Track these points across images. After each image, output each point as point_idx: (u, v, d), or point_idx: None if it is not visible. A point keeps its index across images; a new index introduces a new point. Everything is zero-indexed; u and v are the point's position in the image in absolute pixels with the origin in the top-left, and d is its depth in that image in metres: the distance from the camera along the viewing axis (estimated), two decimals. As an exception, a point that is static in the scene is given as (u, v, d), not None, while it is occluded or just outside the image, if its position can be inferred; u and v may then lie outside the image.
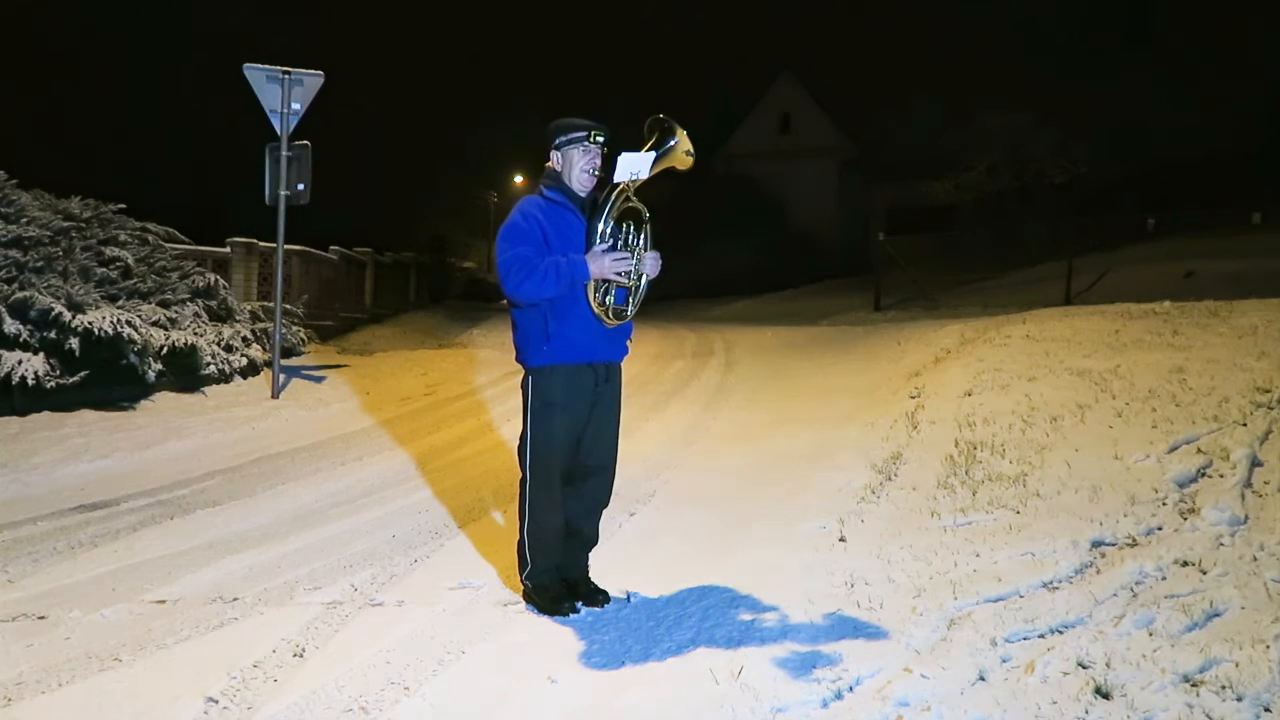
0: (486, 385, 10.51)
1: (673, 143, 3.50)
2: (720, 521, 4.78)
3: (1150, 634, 2.98)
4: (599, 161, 3.51)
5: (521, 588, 3.65)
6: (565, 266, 3.37)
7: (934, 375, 8.27)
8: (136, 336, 8.02)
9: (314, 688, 2.92)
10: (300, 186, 9.01)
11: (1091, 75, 22.82)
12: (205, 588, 3.88)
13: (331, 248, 16.65)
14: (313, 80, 8.93)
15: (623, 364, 3.69)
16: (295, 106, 8.87)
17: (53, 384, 7.39)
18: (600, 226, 3.44)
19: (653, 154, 3.45)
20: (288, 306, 11.18)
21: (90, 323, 7.66)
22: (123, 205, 9.64)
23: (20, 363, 7.22)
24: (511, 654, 3.19)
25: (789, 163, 34.85)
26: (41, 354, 7.42)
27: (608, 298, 3.48)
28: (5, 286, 7.63)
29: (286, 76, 8.80)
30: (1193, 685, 2.64)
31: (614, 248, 3.45)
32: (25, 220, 8.17)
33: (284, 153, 8.87)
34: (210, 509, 5.20)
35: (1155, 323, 9.10)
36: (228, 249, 12.70)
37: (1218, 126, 22.01)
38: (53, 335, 7.55)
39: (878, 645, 3.10)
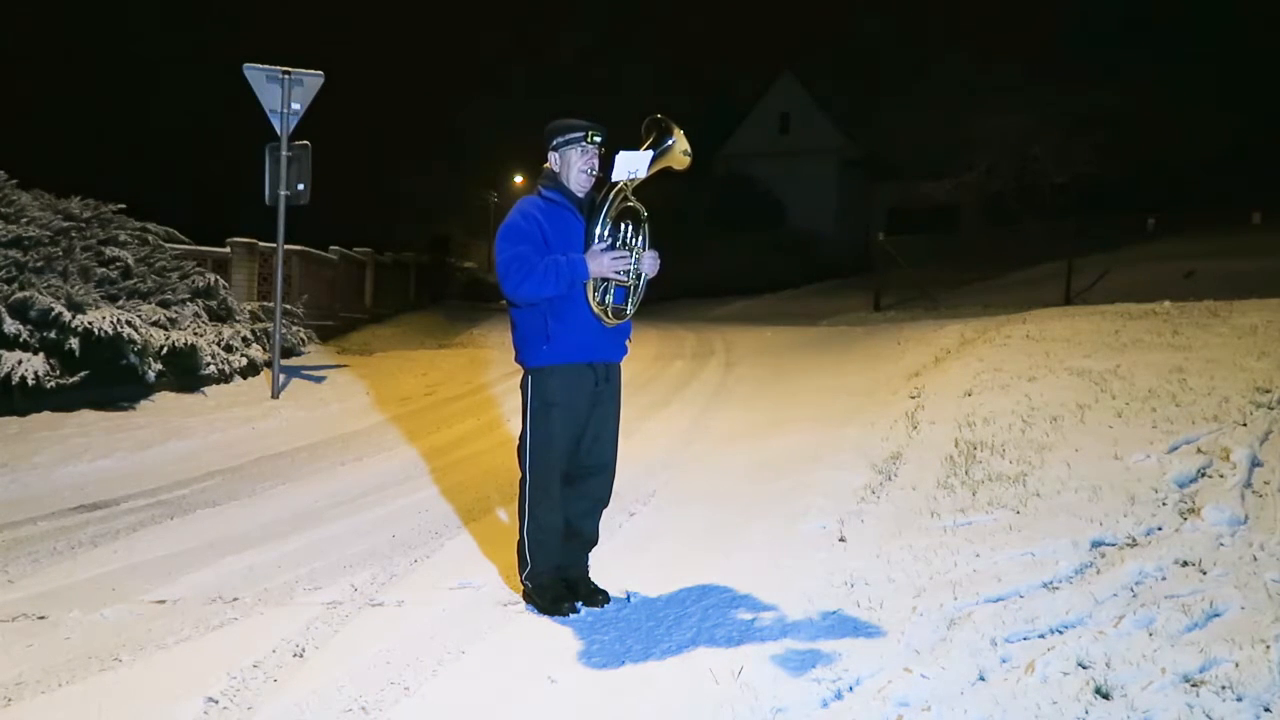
0: (487, 385, 10.51)
1: (670, 142, 3.50)
2: (720, 521, 4.77)
3: (1150, 634, 2.98)
4: (596, 161, 3.51)
5: (522, 588, 3.65)
6: (565, 266, 3.37)
7: (934, 375, 8.27)
8: (136, 336, 8.02)
9: (314, 688, 2.92)
10: (300, 186, 9.00)
11: (1092, 75, 22.81)
12: (205, 588, 3.88)
13: (331, 248, 16.64)
14: (313, 80, 8.93)
15: (622, 364, 3.69)
16: (295, 106, 8.87)
17: (53, 384, 7.39)
18: (598, 227, 3.44)
19: (650, 153, 3.45)
20: (288, 306, 11.18)
21: (90, 323, 7.66)
22: (123, 205, 9.64)
23: (20, 363, 7.22)
24: (511, 654, 3.19)
25: (789, 163, 34.87)
26: (41, 354, 7.42)
27: (607, 297, 3.48)
28: (5, 286, 7.63)
29: (286, 76, 8.80)
30: (1193, 685, 2.64)
31: (612, 247, 3.45)
32: (25, 220, 8.17)
33: (284, 153, 8.87)
34: (210, 509, 5.20)
35: (1155, 323, 9.10)
36: (228, 249, 12.69)
37: (1217, 126, 22.00)
38: (53, 335, 7.55)
39: (878, 645, 3.10)
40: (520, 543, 3.57)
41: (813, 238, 32.27)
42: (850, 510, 4.67)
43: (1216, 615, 3.09)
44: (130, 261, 9.18)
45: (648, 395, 9.32)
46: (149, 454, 6.62)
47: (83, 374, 7.56)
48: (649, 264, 3.54)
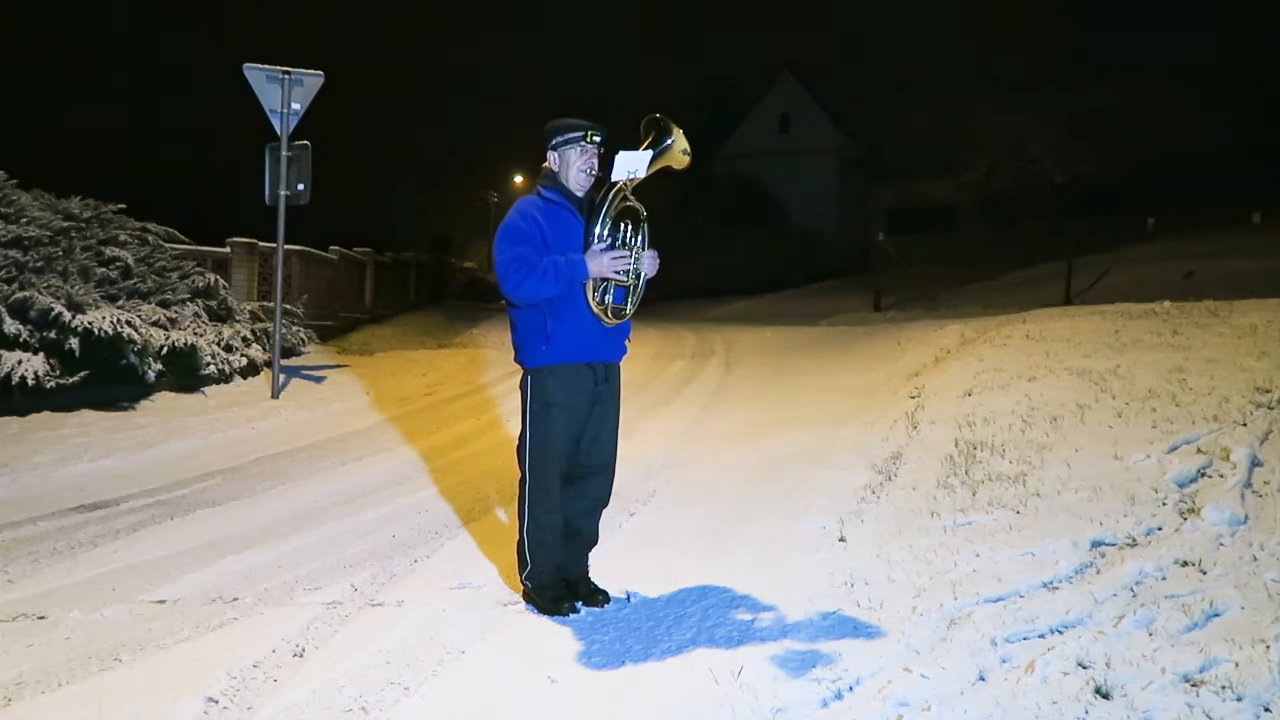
0: (486, 385, 10.51)
1: (669, 141, 3.50)
2: (720, 521, 4.77)
3: (1150, 634, 2.98)
4: (596, 161, 3.51)
5: (521, 588, 3.65)
6: (564, 265, 3.37)
7: (934, 375, 8.27)
8: (136, 336, 8.02)
9: (314, 688, 2.92)
10: (300, 186, 9.01)
11: (1092, 75, 22.84)
12: (205, 588, 3.88)
13: (331, 248, 16.64)
14: (313, 80, 8.93)
15: (622, 363, 3.69)
16: (295, 106, 8.88)
17: (53, 384, 7.39)
18: (598, 226, 3.44)
19: (650, 153, 3.45)
20: (288, 306, 11.18)
21: (90, 323, 7.66)
22: (123, 205, 9.65)
23: (20, 363, 7.22)
24: (511, 654, 3.19)
25: (789, 163, 34.88)
26: (41, 354, 7.42)
27: (606, 296, 3.48)
28: (5, 286, 7.63)
29: (286, 76, 8.80)
30: (1193, 685, 2.64)
31: (612, 247, 3.45)
32: (25, 220, 8.18)
33: (284, 153, 8.87)
34: (210, 509, 5.20)
35: (1155, 323, 9.10)
36: (228, 249, 12.70)
37: (1217, 126, 22.02)
38: (53, 335, 7.56)
39: (878, 645, 3.10)
40: (520, 543, 3.57)
41: (813, 238, 32.28)
42: (850, 510, 4.67)
43: (1216, 615, 3.09)
44: (130, 261, 9.18)
45: (648, 395, 9.32)
46: (149, 454, 6.62)
47: (83, 374, 7.56)
48: (648, 264, 3.53)
